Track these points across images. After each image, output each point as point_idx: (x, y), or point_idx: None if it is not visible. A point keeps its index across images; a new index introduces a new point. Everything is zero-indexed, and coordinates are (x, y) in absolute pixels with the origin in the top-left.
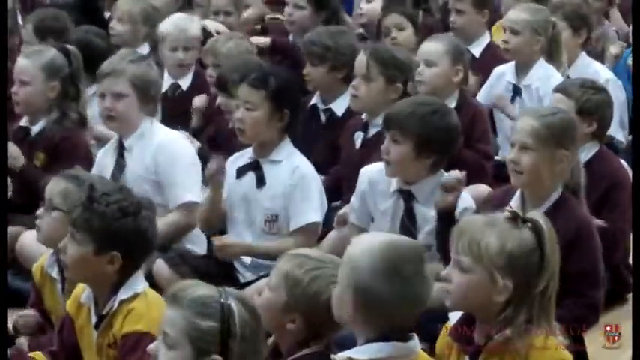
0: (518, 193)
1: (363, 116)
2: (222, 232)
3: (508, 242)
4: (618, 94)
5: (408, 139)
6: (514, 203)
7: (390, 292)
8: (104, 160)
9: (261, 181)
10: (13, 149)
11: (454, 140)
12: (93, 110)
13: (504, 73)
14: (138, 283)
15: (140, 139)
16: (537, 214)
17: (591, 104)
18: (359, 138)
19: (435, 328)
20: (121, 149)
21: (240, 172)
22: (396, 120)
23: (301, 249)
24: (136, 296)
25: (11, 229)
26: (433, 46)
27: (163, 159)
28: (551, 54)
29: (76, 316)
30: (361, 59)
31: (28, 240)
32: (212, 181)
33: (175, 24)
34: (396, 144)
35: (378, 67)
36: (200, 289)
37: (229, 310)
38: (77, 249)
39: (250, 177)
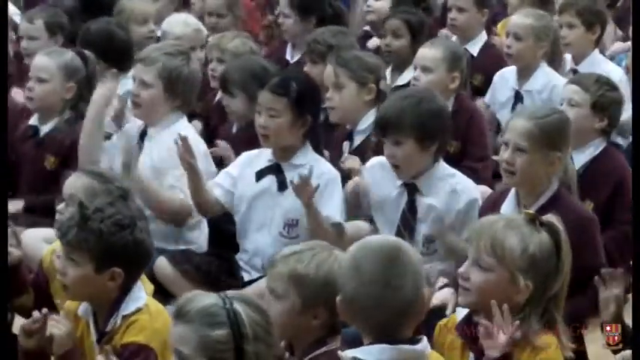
0: (512, 192)
1: (347, 125)
2: (227, 216)
3: (530, 245)
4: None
5: (409, 136)
6: (509, 201)
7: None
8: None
9: (283, 185)
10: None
11: (447, 120)
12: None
13: (508, 78)
14: (139, 297)
15: (163, 131)
16: (553, 217)
17: (606, 100)
18: (346, 148)
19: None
20: (143, 134)
21: (260, 175)
22: (390, 123)
23: (285, 248)
24: (138, 311)
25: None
26: (430, 52)
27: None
28: (553, 58)
29: (74, 328)
30: (328, 69)
31: (29, 239)
32: (183, 163)
33: (188, 24)
34: (399, 145)
35: (347, 73)
36: (202, 299)
37: (236, 315)
38: (76, 270)
39: (270, 179)
